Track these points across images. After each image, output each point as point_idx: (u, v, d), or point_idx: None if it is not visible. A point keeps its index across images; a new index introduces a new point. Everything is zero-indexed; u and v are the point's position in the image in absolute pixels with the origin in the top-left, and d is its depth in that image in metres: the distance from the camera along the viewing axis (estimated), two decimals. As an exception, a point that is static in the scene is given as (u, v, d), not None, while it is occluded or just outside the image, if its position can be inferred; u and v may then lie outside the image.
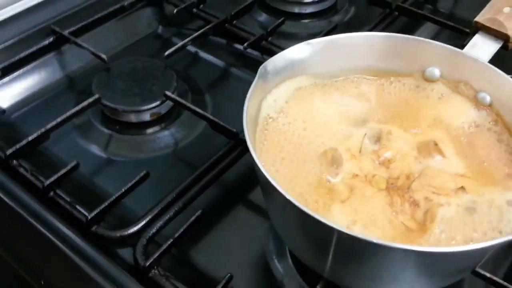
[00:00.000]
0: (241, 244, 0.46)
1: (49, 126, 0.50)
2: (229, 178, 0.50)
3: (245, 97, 0.38)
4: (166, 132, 0.56)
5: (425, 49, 0.43)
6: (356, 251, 0.31)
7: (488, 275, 0.39)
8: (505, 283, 0.39)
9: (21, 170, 0.47)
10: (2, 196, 0.43)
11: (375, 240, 0.29)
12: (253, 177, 0.51)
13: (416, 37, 0.43)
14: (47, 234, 0.40)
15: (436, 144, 0.40)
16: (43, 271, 0.38)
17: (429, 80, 0.44)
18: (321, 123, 0.43)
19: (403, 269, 0.32)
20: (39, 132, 0.49)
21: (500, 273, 0.42)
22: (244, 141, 0.50)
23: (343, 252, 0.32)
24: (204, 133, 0.57)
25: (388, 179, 0.38)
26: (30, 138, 0.48)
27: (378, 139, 0.41)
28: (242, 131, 0.51)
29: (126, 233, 0.42)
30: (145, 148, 0.55)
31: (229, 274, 0.39)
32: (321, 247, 0.33)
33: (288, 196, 0.30)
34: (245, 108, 0.37)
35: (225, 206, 0.49)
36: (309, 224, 0.31)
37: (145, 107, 0.55)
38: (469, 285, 0.42)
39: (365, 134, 0.41)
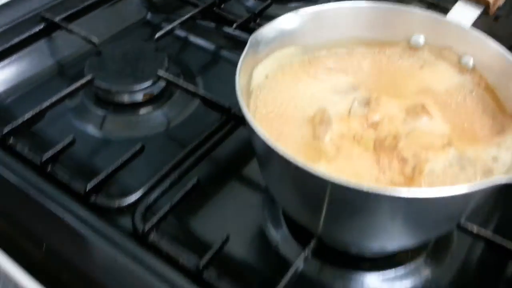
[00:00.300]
0: (237, 214, 0.47)
1: (44, 105, 0.51)
2: (223, 154, 0.52)
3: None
4: (159, 112, 0.57)
5: (410, 17, 0.45)
6: (346, 201, 0.32)
7: (475, 230, 0.41)
8: (491, 237, 0.40)
9: (18, 147, 0.47)
10: (2, 172, 0.44)
11: (364, 188, 0.30)
12: (246, 152, 0.52)
13: (400, 6, 0.45)
14: (48, 204, 0.41)
15: (423, 106, 0.42)
16: (45, 238, 0.39)
17: (415, 48, 0.46)
18: (310, 91, 0.44)
19: (392, 218, 0.33)
20: (34, 111, 0.50)
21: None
22: (236, 116, 0.52)
23: (334, 204, 0.33)
24: (196, 112, 0.58)
25: (375, 139, 0.39)
26: (26, 117, 0.49)
27: (367, 103, 0.42)
28: (235, 106, 0.52)
29: (124, 203, 0.43)
30: (139, 128, 0.56)
31: (226, 235, 0.40)
32: (313, 200, 0.35)
33: (280, 151, 0.32)
34: (237, 74, 0.38)
35: (220, 180, 0.50)
36: (301, 177, 0.32)
37: (138, 87, 0.56)
38: (457, 243, 0.44)
39: (355, 98, 0.42)
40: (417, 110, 0.42)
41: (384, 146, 0.39)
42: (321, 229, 0.37)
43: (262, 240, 0.45)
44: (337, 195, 0.32)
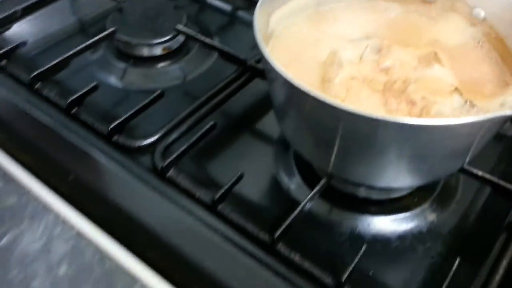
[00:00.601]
0: (250, 162, 0.48)
1: (68, 53, 0.53)
2: (237, 105, 0.54)
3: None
4: (176, 66, 0.59)
5: (423, -31, 0.46)
6: (357, 131, 0.34)
7: (480, 173, 0.42)
8: (496, 180, 0.42)
9: (45, 91, 0.50)
10: (32, 113, 0.47)
11: (374, 116, 0.32)
12: (260, 105, 0.54)
13: (415, -42, 0.46)
14: (74, 140, 0.44)
15: (435, 54, 0.43)
16: (72, 170, 0.42)
17: (428, 1, 0.47)
18: (324, 39, 0.46)
19: (399, 149, 0.35)
20: (60, 59, 0.52)
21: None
22: (252, 67, 0.54)
23: (346, 136, 0.35)
24: (212, 68, 0.60)
25: (385, 83, 0.41)
26: (52, 63, 0.52)
27: (379, 50, 0.44)
28: (251, 58, 0.54)
29: (143, 143, 0.45)
30: (157, 80, 0.58)
31: (240, 172, 0.42)
32: (327, 133, 0.36)
33: (296, 82, 0.33)
34: (255, 17, 0.40)
35: (234, 130, 0.52)
36: (316, 108, 0.34)
37: (157, 41, 0.58)
38: (462, 191, 0.46)
39: (367, 45, 0.44)
40: (429, 58, 0.43)
41: (393, 89, 0.40)
42: (332, 165, 0.39)
43: (274, 185, 0.47)
44: (348, 125, 0.34)
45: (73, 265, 0.33)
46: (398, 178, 0.39)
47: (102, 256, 0.34)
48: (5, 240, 0.35)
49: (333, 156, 0.38)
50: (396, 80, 0.41)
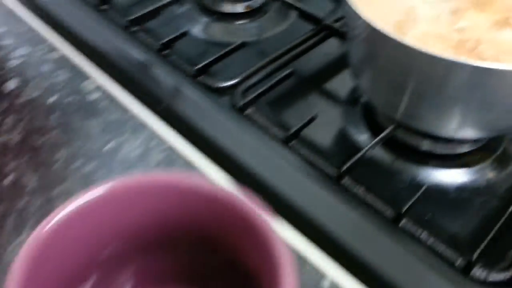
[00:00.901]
0: (320, 113, 0.51)
1: (160, 3, 0.58)
2: (310, 65, 0.57)
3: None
4: (255, 24, 0.64)
5: None
6: (430, 74, 0.37)
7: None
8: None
9: (140, 34, 0.55)
10: (128, 51, 0.53)
11: (448, 57, 0.34)
12: (332, 67, 0.58)
13: None
14: (165, 78, 0.49)
15: (508, 18, 0.45)
16: (164, 100, 0.47)
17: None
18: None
19: (468, 96, 0.37)
20: (152, 7, 0.58)
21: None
22: (328, 26, 0.57)
23: (418, 78, 0.38)
24: (289, 28, 0.63)
25: (458, 41, 0.43)
26: (145, 10, 0.57)
27: (455, 12, 0.46)
28: (327, 18, 0.58)
29: (225, 84, 0.50)
30: (237, 35, 0.62)
31: (312, 115, 0.46)
32: (400, 77, 0.39)
33: (376, 25, 0.37)
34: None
35: (306, 85, 0.55)
36: (392, 49, 0.37)
37: (241, -1, 0.63)
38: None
39: (444, 7, 0.46)
40: (503, 22, 0.45)
41: (465, 47, 0.43)
42: (401, 112, 0.42)
43: (342, 134, 0.50)
44: (424, 67, 0.37)
45: (166, 171, 0.39)
46: (463, 128, 0.41)
47: (191, 165, 0.39)
48: (109, 146, 0.40)
49: (404, 102, 0.41)
50: (469, 39, 0.43)
